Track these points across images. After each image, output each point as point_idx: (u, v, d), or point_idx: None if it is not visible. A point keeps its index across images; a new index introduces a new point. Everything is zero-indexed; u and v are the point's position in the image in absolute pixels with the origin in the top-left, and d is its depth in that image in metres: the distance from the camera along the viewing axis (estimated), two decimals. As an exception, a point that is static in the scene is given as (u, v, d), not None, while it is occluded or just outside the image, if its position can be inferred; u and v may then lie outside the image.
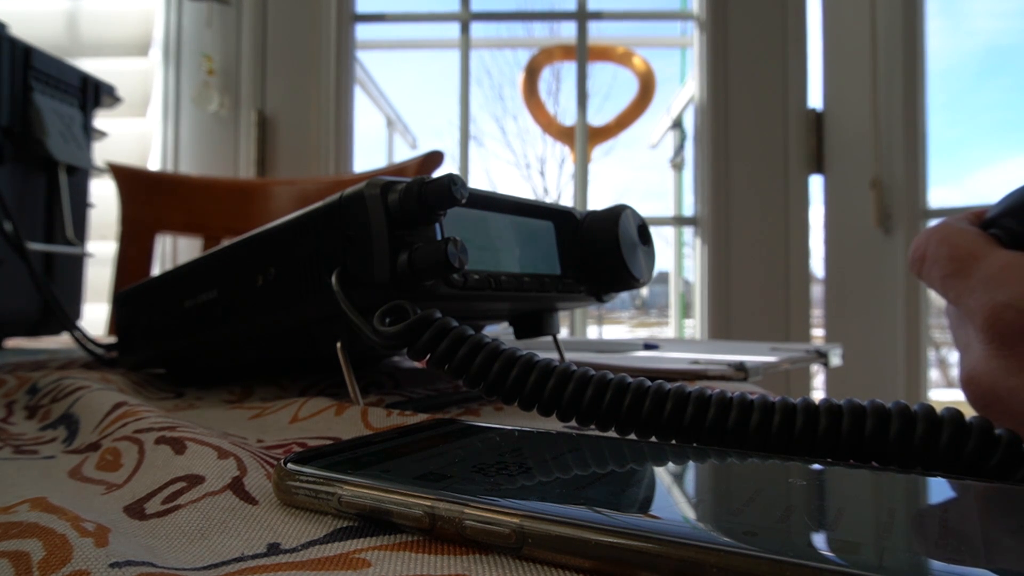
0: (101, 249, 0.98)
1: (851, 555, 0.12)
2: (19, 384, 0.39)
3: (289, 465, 0.19)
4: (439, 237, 0.29)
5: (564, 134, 2.61)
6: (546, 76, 2.93)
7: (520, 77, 2.52)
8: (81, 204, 0.72)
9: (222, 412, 0.34)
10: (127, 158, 1.66)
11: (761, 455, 0.19)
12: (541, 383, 0.24)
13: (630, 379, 0.23)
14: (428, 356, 0.26)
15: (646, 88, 2.43)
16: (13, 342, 0.75)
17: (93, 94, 0.74)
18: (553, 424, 0.30)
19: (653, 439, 0.22)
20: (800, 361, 0.58)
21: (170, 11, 1.82)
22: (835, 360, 0.62)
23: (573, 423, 0.24)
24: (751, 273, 1.79)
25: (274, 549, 0.16)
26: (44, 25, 1.83)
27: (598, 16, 1.95)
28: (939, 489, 0.17)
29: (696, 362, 0.48)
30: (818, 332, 1.82)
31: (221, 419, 0.32)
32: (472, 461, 0.19)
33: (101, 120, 0.76)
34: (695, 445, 0.22)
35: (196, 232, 1.09)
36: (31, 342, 0.78)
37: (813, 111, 1.80)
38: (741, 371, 0.45)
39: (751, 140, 1.81)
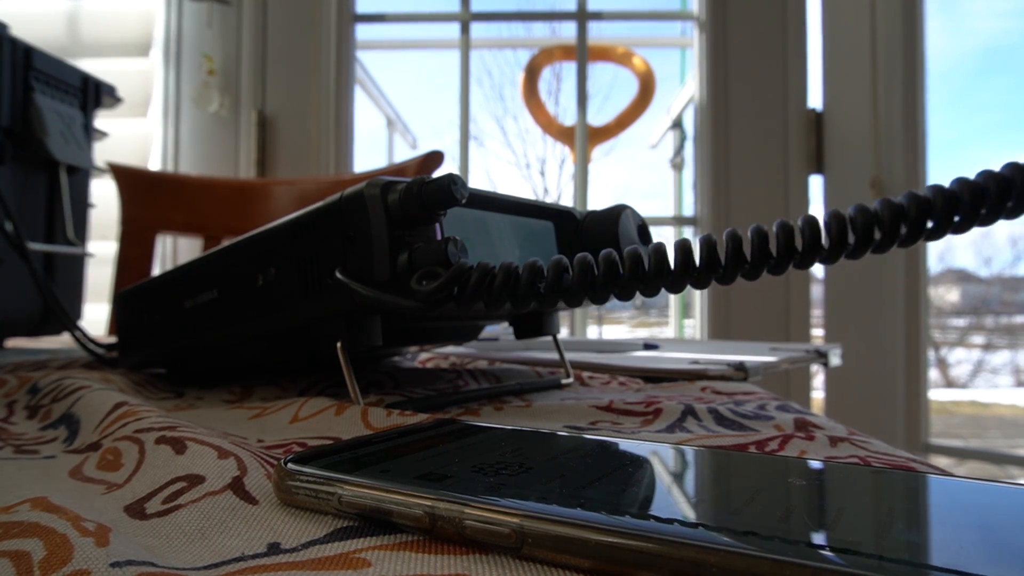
0: (102, 249, 0.98)
1: (851, 555, 0.12)
2: (20, 384, 0.39)
3: (289, 465, 0.19)
4: (439, 237, 0.30)
5: (564, 134, 2.61)
6: (546, 76, 2.93)
7: (520, 77, 2.51)
8: (82, 204, 0.72)
9: (222, 412, 0.34)
10: (128, 158, 1.67)
11: (760, 454, 0.19)
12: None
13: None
14: (485, 295, 0.27)
15: (646, 88, 2.43)
16: (14, 342, 0.75)
17: (94, 94, 0.74)
18: (553, 423, 0.30)
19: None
20: (800, 361, 0.58)
21: (170, 11, 1.82)
22: (835, 360, 0.62)
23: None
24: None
25: (274, 549, 0.16)
26: (45, 26, 1.83)
27: (598, 16, 1.95)
28: (939, 489, 0.17)
29: (696, 362, 0.48)
30: (818, 332, 1.82)
31: (221, 419, 0.32)
32: (472, 461, 0.19)
33: (102, 120, 0.76)
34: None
35: (196, 232, 1.09)
36: (32, 342, 0.78)
37: (813, 111, 1.80)
38: (741, 371, 0.45)
39: (751, 140, 1.81)
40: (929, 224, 0.23)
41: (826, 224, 0.24)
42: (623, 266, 0.26)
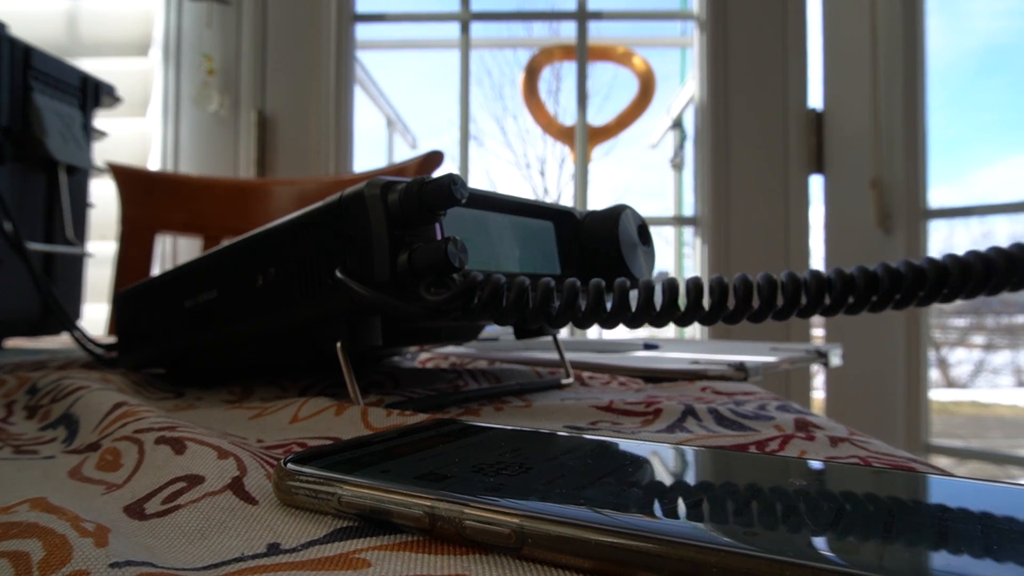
0: (101, 249, 0.98)
1: (851, 555, 0.12)
2: (19, 384, 0.39)
3: (289, 465, 0.19)
4: (439, 237, 0.29)
5: (564, 134, 2.61)
6: (546, 76, 2.93)
7: (520, 77, 2.51)
8: (81, 204, 0.72)
9: (222, 412, 0.34)
10: (127, 158, 1.66)
11: (762, 454, 0.19)
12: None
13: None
14: (493, 311, 0.27)
15: (646, 88, 2.43)
16: (13, 342, 0.75)
17: (93, 94, 0.74)
18: (553, 423, 0.30)
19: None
20: (800, 361, 0.58)
21: (170, 11, 1.82)
22: (835, 360, 0.62)
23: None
24: (751, 273, 1.79)
25: (274, 549, 0.16)
26: (44, 25, 1.83)
27: (598, 16, 1.95)
28: (939, 489, 0.17)
29: (696, 362, 0.48)
30: (818, 332, 1.82)
31: (221, 419, 0.32)
32: (472, 461, 0.19)
33: (101, 120, 0.76)
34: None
35: (196, 232, 1.09)
36: (31, 342, 0.78)
37: (813, 111, 1.80)
38: (741, 371, 0.45)
39: (751, 140, 1.81)
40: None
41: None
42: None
